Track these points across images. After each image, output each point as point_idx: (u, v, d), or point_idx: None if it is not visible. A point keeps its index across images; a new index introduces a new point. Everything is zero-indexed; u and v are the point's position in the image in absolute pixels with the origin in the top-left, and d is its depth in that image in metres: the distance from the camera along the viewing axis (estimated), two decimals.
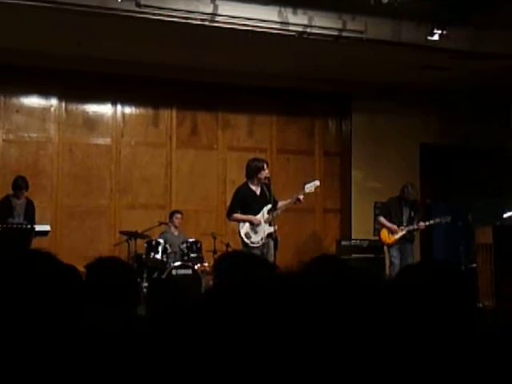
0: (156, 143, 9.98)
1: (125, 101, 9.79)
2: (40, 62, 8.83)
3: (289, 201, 7.43)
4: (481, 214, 9.28)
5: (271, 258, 6.84)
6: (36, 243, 7.61)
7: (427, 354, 1.35)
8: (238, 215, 7.37)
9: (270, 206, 7.24)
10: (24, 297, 1.41)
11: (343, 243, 9.69)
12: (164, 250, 8.42)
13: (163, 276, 8.05)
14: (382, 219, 8.80)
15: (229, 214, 7.52)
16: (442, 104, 10.62)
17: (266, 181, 7.34)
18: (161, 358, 1.12)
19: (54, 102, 9.52)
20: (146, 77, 9.45)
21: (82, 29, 7.65)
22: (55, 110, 9.52)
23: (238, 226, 7.35)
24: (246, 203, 7.34)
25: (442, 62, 8.90)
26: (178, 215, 9.09)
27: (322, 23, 7.79)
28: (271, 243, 7.23)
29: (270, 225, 7.24)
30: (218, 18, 7.45)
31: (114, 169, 9.71)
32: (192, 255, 8.47)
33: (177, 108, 10.04)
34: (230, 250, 8.28)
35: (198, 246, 8.62)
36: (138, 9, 7.13)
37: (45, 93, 9.45)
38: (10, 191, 8.22)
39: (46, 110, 9.47)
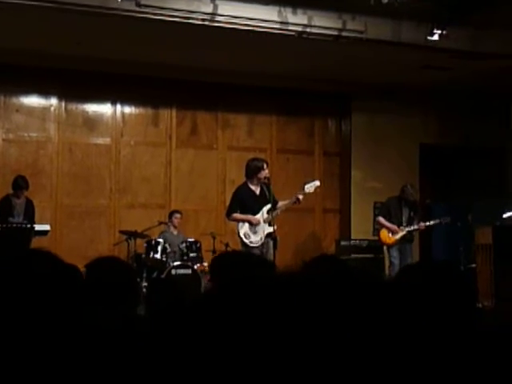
0: (156, 143, 9.98)
1: (124, 100, 9.79)
2: (40, 61, 8.83)
3: (288, 201, 7.43)
4: (480, 214, 9.28)
5: (270, 258, 6.84)
6: (36, 243, 7.61)
7: (427, 354, 1.35)
8: (237, 215, 7.37)
9: (269, 206, 7.24)
10: (25, 296, 1.41)
11: (342, 243, 9.69)
12: (163, 250, 8.42)
13: (163, 276, 8.05)
14: (381, 219, 8.80)
15: (228, 214, 7.53)
16: (441, 104, 10.62)
17: (266, 181, 7.34)
18: (160, 358, 1.12)
19: (53, 101, 9.52)
20: (145, 76, 9.45)
21: (83, 28, 7.65)
22: (55, 110, 9.52)
23: (237, 225, 7.34)
24: (245, 203, 7.34)
25: (442, 62, 8.90)
26: (178, 215, 9.09)
27: (322, 23, 7.79)
28: (271, 243, 7.22)
29: (269, 225, 7.24)
30: (217, 18, 7.44)
31: (113, 168, 9.71)
32: (191, 255, 8.47)
33: (176, 108, 10.04)
34: (229, 249, 8.28)
35: (198, 245, 8.62)
36: (138, 9, 7.13)
37: (45, 92, 9.45)
38: (10, 191, 8.22)
39: (45, 110, 9.47)
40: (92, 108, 9.69)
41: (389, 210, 8.76)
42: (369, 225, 10.20)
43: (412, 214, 8.71)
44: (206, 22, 7.45)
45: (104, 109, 9.76)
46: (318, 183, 7.72)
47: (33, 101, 9.44)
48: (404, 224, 8.64)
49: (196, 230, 9.41)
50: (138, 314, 2.82)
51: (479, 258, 8.36)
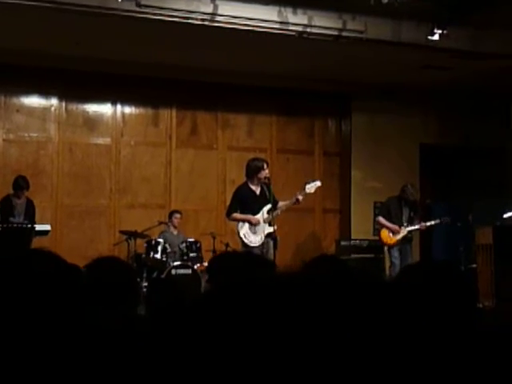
0: (156, 143, 9.98)
1: (125, 100, 9.80)
2: (40, 61, 8.83)
3: (288, 201, 7.43)
4: (481, 214, 9.28)
5: (271, 258, 6.84)
6: (36, 243, 7.61)
7: (427, 354, 1.35)
8: (236, 215, 7.37)
9: (269, 206, 7.25)
10: (27, 296, 1.41)
11: (343, 243, 9.68)
12: (163, 250, 8.42)
13: (163, 276, 8.05)
14: (381, 219, 8.78)
15: (228, 214, 7.53)
16: (441, 104, 10.62)
17: (266, 181, 7.35)
18: (160, 358, 1.12)
19: (54, 101, 9.52)
20: (145, 77, 9.45)
21: (83, 29, 7.65)
22: (55, 110, 9.52)
23: (237, 225, 7.35)
24: (245, 203, 7.34)
25: (442, 62, 8.90)
26: (177, 215, 9.10)
27: (322, 23, 7.79)
28: (271, 243, 7.23)
29: (269, 225, 7.24)
30: (217, 18, 7.45)
31: (113, 168, 9.71)
32: (191, 255, 8.47)
33: (176, 108, 10.04)
34: (229, 249, 8.29)
35: (198, 245, 8.62)
36: (138, 9, 7.13)
37: (45, 93, 9.45)
38: (11, 191, 8.22)
39: (46, 110, 9.48)
40: (92, 108, 9.69)
41: (389, 210, 8.75)
42: (369, 225, 10.20)
43: (412, 213, 8.71)
44: (206, 22, 7.45)
45: (104, 109, 9.76)
46: (319, 183, 7.72)
47: (33, 101, 9.44)
48: (404, 224, 8.63)
49: (196, 230, 9.41)
50: (138, 313, 2.81)
51: (480, 258, 8.36)
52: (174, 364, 1.02)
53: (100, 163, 9.66)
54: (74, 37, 7.94)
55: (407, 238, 8.66)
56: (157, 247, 8.41)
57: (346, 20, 7.85)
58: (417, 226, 8.65)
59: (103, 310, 2.25)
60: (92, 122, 9.68)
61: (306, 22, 7.72)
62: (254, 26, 7.62)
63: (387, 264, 8.94)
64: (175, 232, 9.02)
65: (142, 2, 7.09)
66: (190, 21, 7.41)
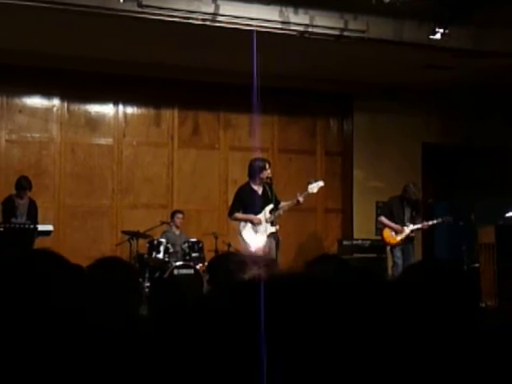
0: (158, 143, 9.98)
1: (127, 101, 9.80)
2: (42, 62, 8.84)
3: (289, 202, 7.43)
4: (483, 213, 9.26)
5: (273, 258, 6.84)
6: (39, 243, 7.62)
7: (429, 353, 1.35)
8: (238, 214, 7.37)
9: (271, 206, 7.25)
10: (30, 296, 1.41)
11: (345, 243, 9.67)
12: (166, 250, 8.42)
13: (165, 276, 8.05)
14: (383, 219, 8.75)
15: (230, 214, 7.54)
16: (444, 103, 10.61)
17: (268, 180, 7.35)
18: (163, 358, 1.12)
19: (56, 102, 9.53)
20: (147, 77, 9.46)
21: (84, 29, 7.66)
22: (57, 111, 9.53)
23: (239, 225, 7.35)
24: (247, 203, 7.35)
25: (444, 61, 8.89)
26: (180, 215, 9.10)
27: (324, 23, 7.79)
28: (273, 243, 7.23)
29: (271, 224, 7.25)
30: (219, 18, 7.45)
31: (115, 169, 9.72)
32: (194, 255, 8.48)
33: (178, 108, 10.05)
34: (231, 249, 8.29)
35: (200, 245, 8.62)
36: (139, 9, 7.14)
37: (47, 93, 9.46)
38: (13, 191, 8.23)
39: (48, 111, 9.49)
40: (94, 108, 9.70)
41: (391, 209, 8.73)
42: (371, 224, 10.19)
43: (414, 213, 8.69)
44: (208, 22, 7.46)
45: (106, 109, 9.77)
46: (321, 183, 7.73)
47: (35, 101, 9.45)
48: (407, 223, 8.61)
49: (198, 230, 9.42)
50: (140, 314, 2.82)
51: (482, 258, 8.35)
52: (177, 364, 1.02)
53: (102, 163, 9.67)
54: (75, 37, 7.95)
55: (409, 238, 8.65)
56: (159, 247, 8.42)
57: (348, 20, 7.84)
58: (419, 226, 8.63)
59: (106, 310, 2.25)
60: (94, 123, 9.68)
61: (307, 21, 7.71)
62: (255, 26, 7.62)
63: (389, 264, 8.93)
64: (177, 232, 9.03)
65: (144, 3, 7.10)
66: (191, 21, 7.41)
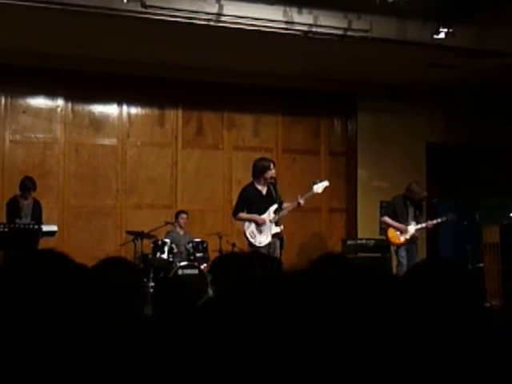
0: (162, 143, 9.99)
1: (130, 101, 9.82)
2: (46, 62, 8.86)
3: (290, 204, 7.42)
4: (488, 212, 9.25)
5: (277, 258, 6.84)
6: (43, 243, 7.63)
7: (433, 353, 1.35)
8: (243, 214, 7.37)
9: (276, 206, 7.25)
10: (35, 296, 1.42)
11: (349, 242, 9.67)
12: (170, 250, 8.43)
13: (169, 276, 8.06)
14: (387, 219, 8.71)
15: (234, 214, 7.54)
16: (447, 103, 10.59)
17: (273, 180, 7.35)
18: (167, 358, 1.13)
19: (60, 102, 9.54)
20: (151, 77, 9.47)
21: (88, 30, 7.67)
22: (61, 111, 9.55)
23: (244, 225, 7.35)
24: (251, 203, 7.34)
25: (448, 61, 8.88)
26: (184, 215, 9.11)
27: (327, 22, 7.78)
28: (277, 243, 7.23)
29: (276, 224, 7.25)
30: (223, 18, 7.45)
31: (120, 169, 9.73)
32: (198, 255, 8.48)
33: (182, 108, 10.05)
34: (236, 249, 8.29)
35: (204, 245, 8.63)
36: (143, 9, 7.14)
37: (51, 94, 9.48)
38: (18, 192, 8.24)
39: (52, 111, 9.50)
40: (98, 109, 9.72)
41: (394, 209, 8.69)
42: (375, 224, 10.18)
43: (417, 212, 8.67)
44: (212, 22, 7.46)
45: (110, 110, 9.78)
46: (326, 183, 7.72)
47: (39, 102, 9.47)
48: (411, 223, 8.59)
49: (202, 230, 9.42)
50: (145, 314, 2.82)
51: (487, 257, 8.34)
52: (181, 364, 1.02)
53: (106, 164, 9.68)
54: (79, 38, 7.97)
55: (413, 238, 8.63)
56: (163, 247, 8.42)
57: (352, 19, 7.84)
58: (423, 225, 8.60)
59: (110, 311, 2.26)
60: (98, 123, 9.70)
61: (311, 21, 7.71)
62: (258, 26, 7.62)
63: (394, 263, 8.91)
64: (182, 232, 9.04)
65: (148, 3, 7.10)
66: (195, 21, 7.41)
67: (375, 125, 10.56)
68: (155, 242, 8.50)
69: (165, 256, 8.39)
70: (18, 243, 7.36)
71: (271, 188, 7.34)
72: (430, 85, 9.99)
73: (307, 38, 7.86)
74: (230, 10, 7.44)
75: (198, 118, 10.14)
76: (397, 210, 8.64)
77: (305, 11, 7.70)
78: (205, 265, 8.38)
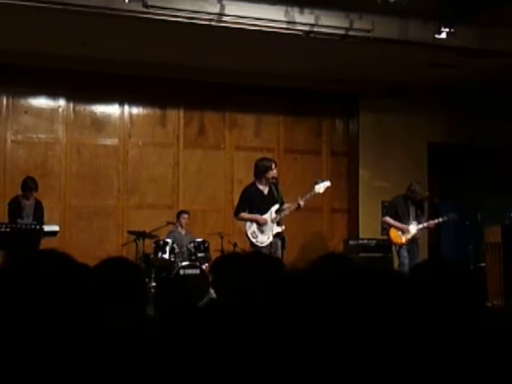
0: (163, 143, 10.00)
1: (132, 101, 9.82)
2: (48, 63, 8.86)
3: (290, 205, 7.41)
4: (489, 212, 9.24)
5: (279, 258, 6.84)
6: (45, 243, 7.64)
7: (436, 352, 1.35)
8: (244, 214, 7.38)
9: (277, 206, 7.25)
10: (38, 296, 1.42)
11: (351, 242, 9.67)
12: (172, 250, 8.44)
13: (171, 276, 8.07)
14: (389, 219, 8.69)
15: (236, 214, 7.54)
16: (449, 102, 10.59)
17: (274, 180, 7.35)
18: (169, 358, 1.13)
19: (61, 102, 9.55)
20: (153, 77, 9.47)
21: (90, 30, 7.68)
22: (63, 111, 9.55)
23: (245, 225, 7.35)
24: (253, 203, 7.35)
25: (449, 60, 8.88)
26: (185, 215, 9.11)
27: (329, 22, 7.78)
28: (279, 243, 7.23)
29: (277, 224, 7.25)
30: (224, 18, 7.45)
31: (121, 169, 9.74)
32: (199, 255, 8.49)
33: (184, 108, 10.06)
34: (237, 249, 8.30)
35: (206, 245, 8.63)
36: (145, 9, 7.15)
37: (53, 94, 9.48)
38: (19, 192, 8.25)
39: (54, 111, 9.51)
40: (100, 109, 9.72)
41: (396, 209, 8.67)
42: (377, 224, 10.17)
43: (419, 212, 8.66)
44: (213, 23, 7.46)
45: (112, 110, 9.79)
46: (328, 183, 7.72)
47: (41, 102, 9.48)
48: (413, 222, 8.58)
49: (204, 230, 9.42)
50: (146, 314, 2.82)
51: (488, 257, 8.33)
52: (183, 364, 1.02)
53: (108, 164, 9.69)
54: (80, 38, 7.98)
55: (415, 237, 8.62)
56: (165, 247, 8.43)
57: (353, 19, 7.84)
58: (425, 224, 8.59)
59: (112, 311, 2.26)
60: (100, 123, 9.70)
61: (312, 21, 7.71)
62: (260, 26, 7.62)
63: (395, 263, 8.90)
64: (183, 232, 9.04)
65: (149, 3, 7.11)
66: (196, 21, 7.42)
67: (377, 125, 10.56)
68: (157, 242, 8.50)
69: (166, 256, 8.40)
70: (19, 243, 7.37)
71: (273, 188, 7.34)
72: (431, 85, 9.99)
73: (309, 38, 7.85)
74: (232, 9, 7.44)
75: (199, 117, 10.14)
76: (398, 210, 8.63)
77: (306, 11, 7.69)
78: (206, 265, 8.38)
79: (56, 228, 8.15)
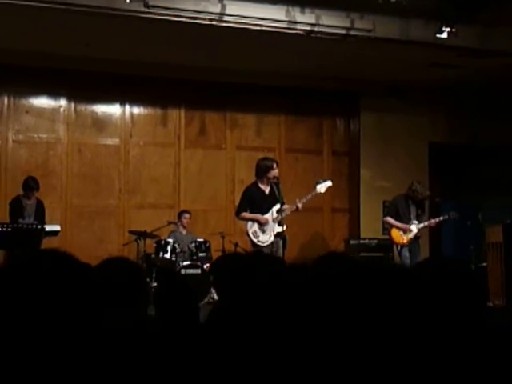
0: (164, 143, 10.00)
1: (133, 101, 9.82)
2: (49, 62, 8.87)
3: (289, 207, 7.41)
4: (491, 212, 9.24)
5: (280, 258, 6.84)
6: (46, 243, 7.64)
7: (437, 351, 1.35)
8: (245, 214, 7.38)
9: (278, 206, 7.25)
10: (39, 296, 1.42)
11: (352, 242, 9.67)
12: (173, 250, 8.44)
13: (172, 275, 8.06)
14: (390, 219, 8.68)
15: (237, 213, 7.54)
16: (450, 102, 10.58)
17: (275, 180, 7.35)
18: (170, 358, 1.13)
19: (63, 102, 9.56)
20: (154, 77, 9.47)
21: (91, 30, 7.68)
22: (64, 111, 9.56)
23: (246, 225, 7.36)
24: (254, 202, 7.35)
25: (450, 60, 8.88)
26: (187, 215, 9.12)
27: (330, 22, 7.78)
28: (280, 242, 7.23)
29: (279, 224, 7.25)
30: (225, 18, 7.45)
31: (122, 169, 9.74)
32: (201, 255, 8.49)
33: (185, 108, 10.06)
34: (239, 249, 8.30)
35: (207, 245, 8.64)
36: (146, 9, 7.15)
37: (54, 93, 9.49)
38: (21, 192, 8.26)
39: (55, 111, 9.52)
40: (101, 109, 9.73)
41: (397, 209, 8.67)
42: (378, 224, 10.18)
43: (419, 211, 8.66)
44: (214, 22, 7.46)
45: (113, 109, 9.79)
46: (329, 183, 7.72)
47: (42, 102, 9.48)
48: (414, 222, 8.57)
49: (205, 230, 9.43)
50: (148, 314, 2.82)
51: (490, 257, 8.32)
52: (184, 363, 1.03)
53: (109, 164, 9.69)
54: (82, 38, 7.99)
55: (416, 237, 8.62)
56: (166, 247, 8.43)
57: (354, 19, 7.84)
58: (426, 223, 8.59)
59: (114, 311, 2.26)
60: (101, 123, 9.71)
61: (313, 21, 7.71)
62: (261, 26, 7.63)
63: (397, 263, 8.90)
64: (184, 232, 9.05)
65: (150, 3, 7.11)
66: (198, 21, 7.42)
67: (378, 124, 10.55)
68: (158, 242, 8.51)
69: (168, 256, 8.40)
70: (21, 243, 7.38)
71: (274, 188, 7.34)
72: (432, 84, 9.99)
73: (310, 38, 7.85)
74: (233, 9, 7.44)
75: (200, 117, 10.14)
76: (399, 210, 8.63)
77: (307, 11, 7.70)
78: (207, 264, 8.39)
79: (57, 228, 8.16)
